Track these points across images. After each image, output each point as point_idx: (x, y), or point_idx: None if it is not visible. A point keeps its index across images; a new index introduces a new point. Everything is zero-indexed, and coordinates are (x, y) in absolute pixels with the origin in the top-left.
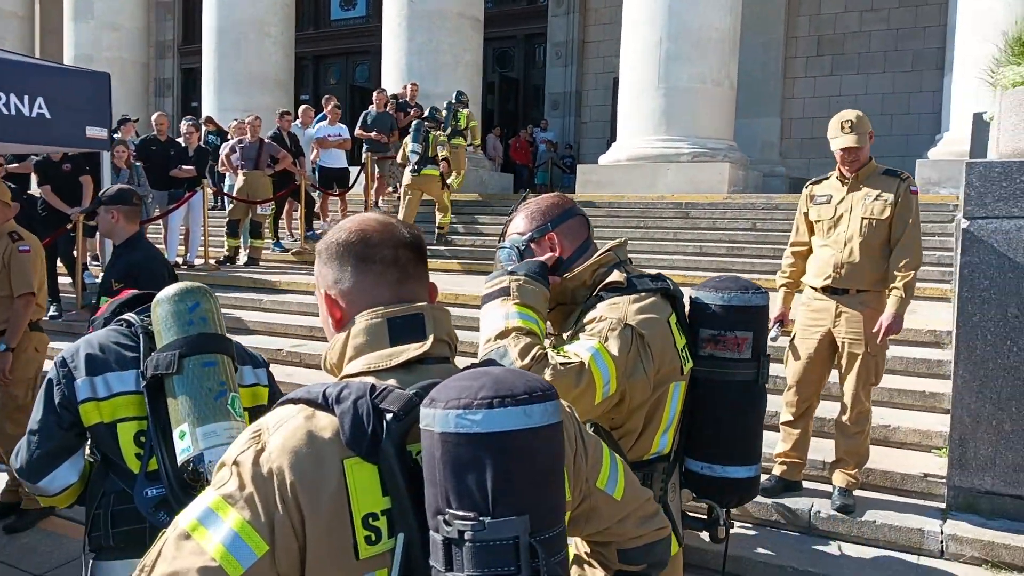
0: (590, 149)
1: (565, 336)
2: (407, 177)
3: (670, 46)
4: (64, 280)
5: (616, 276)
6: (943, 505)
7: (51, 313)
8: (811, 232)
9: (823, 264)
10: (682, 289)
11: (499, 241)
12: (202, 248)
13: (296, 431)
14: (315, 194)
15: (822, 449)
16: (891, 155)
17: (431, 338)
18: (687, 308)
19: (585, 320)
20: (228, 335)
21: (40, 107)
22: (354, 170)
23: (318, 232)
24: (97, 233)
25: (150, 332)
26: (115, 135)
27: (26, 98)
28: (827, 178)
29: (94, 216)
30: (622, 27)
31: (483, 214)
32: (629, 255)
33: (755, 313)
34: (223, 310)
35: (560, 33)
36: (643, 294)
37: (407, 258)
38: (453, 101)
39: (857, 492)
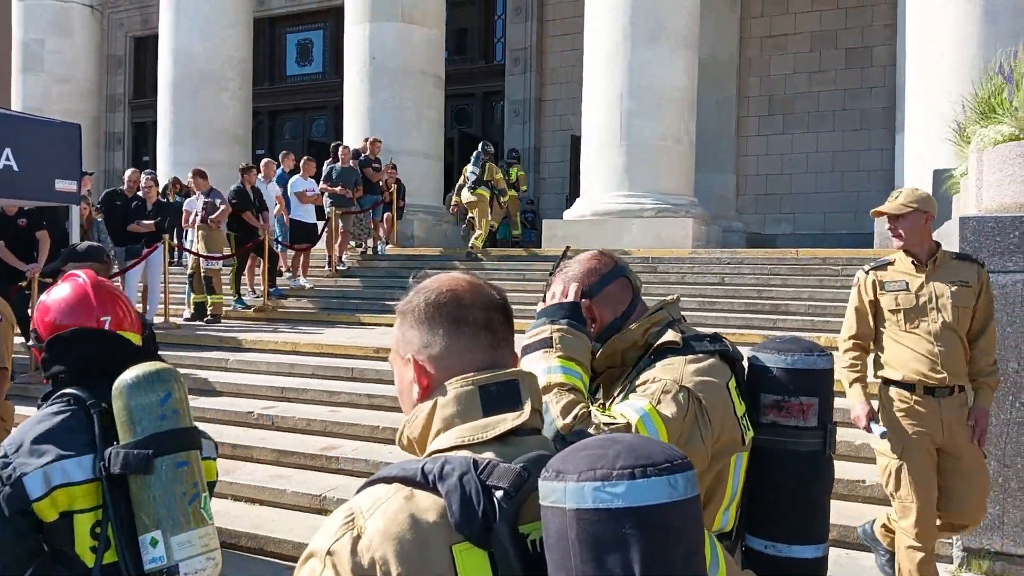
0: (550, 204)
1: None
2: (465, 195)
3: (631, 103)
4: (18, 340)
5: (671, 336)
6: (952, 566)
7: None
8: (875, 322)
9: (912, 359)
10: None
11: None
12: (162, 306)
13: (397, 514)
14: (278, 249)
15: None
16: (844, 211)
17: (528, 406)
18: (745, 371)
19: (637, 383)
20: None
21: (7, 159)
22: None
23: (281, 289)
24: None
25: (103, 409)
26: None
27: None
28: (890, 263)
29: (55, 274)
30: (583, 85)
31: (448, 268)
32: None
33: (821, 377)
34: (186, 370)
35: (518, 91)
36: (701, 355)
37: (499, 321)
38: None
39: (861, 553)
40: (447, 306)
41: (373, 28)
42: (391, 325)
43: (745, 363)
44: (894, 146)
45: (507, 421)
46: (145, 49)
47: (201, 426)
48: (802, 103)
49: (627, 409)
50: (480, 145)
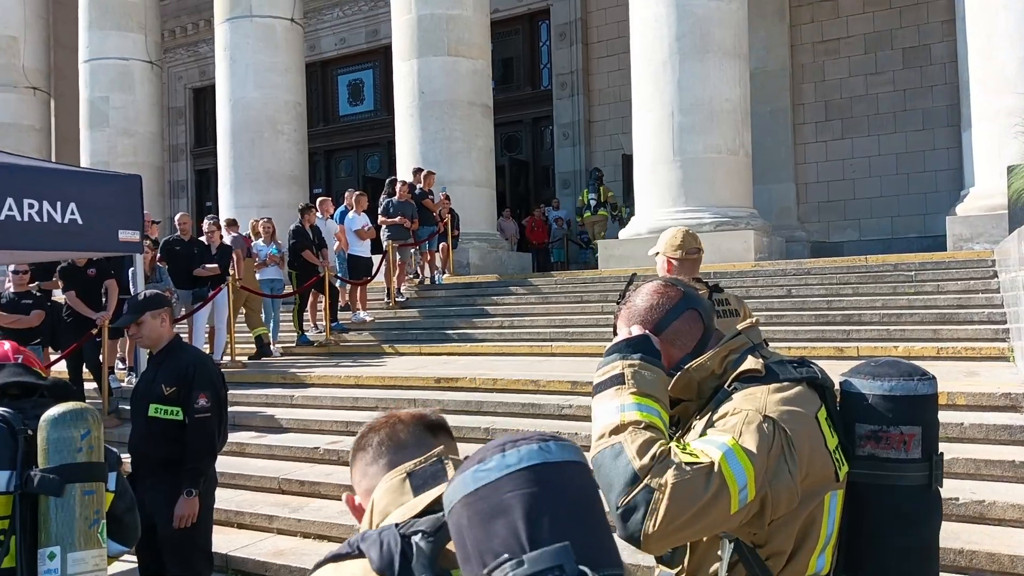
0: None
1: (691, 437)
2: (588, 215)
3: (682, 119)
4: (89, 385)
5: (751, 363)
6: None
7: None
8: None
9: None
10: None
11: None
12: (228, 346)
13: None
14: (338, 284)
15: None
16: (911, 213)
17: (452, 475)
18: (837, 398)
19: (716, 416)
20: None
21: (72, 212)
22: (375, 258)
23: (342, 323)
24: (123, 336)
25: (29, 437)
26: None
27: (58, 204)
28: None
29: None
30: (633, 105)
31: (505, 295)
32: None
33: (923, 403)
34: (253, 408)
35: (566, 115)
36: (786, 383)
37: (408, 432)
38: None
39: None
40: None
41: (420, 63)
42: (452, 354)
43: (837, 389)
44: (960, 144)
45: (435, 492)
46: (203, 99)
47: (268, 463)
48: (860, 106)
49: (708, 446)
50: (591, 171)
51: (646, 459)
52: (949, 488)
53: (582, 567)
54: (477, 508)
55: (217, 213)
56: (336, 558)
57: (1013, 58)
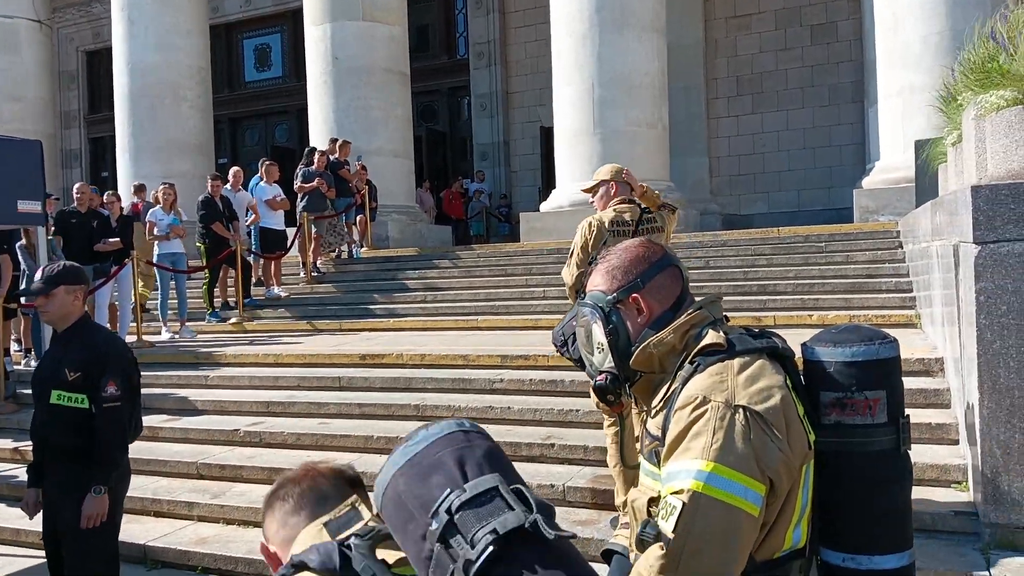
0: (522, 197)
1: (653, 416)
2: None
3: (603, 92)
4: None
5: (713, 337)
6: (979, 544)
7: None
8: None
9: None
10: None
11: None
12: (133, 324)
13: None
14: (251, 259)
15: None
16: (817, 187)
17: (368, 516)
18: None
19: (679, 404)
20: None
21: None
22: (290, 231)
23: (256, 299)
24: (17, 316)
25: None
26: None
27: None
28: None
29: (16, 299)
30: (553, 77)
31: (427, 268)
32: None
33: (886, 367)
34: (165, 389)
35: (483, 85)
36: (748, 357)
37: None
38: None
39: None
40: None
41: (334, 28)
42: (375, 330)
43: (799, 358)
44: (864, 120)
45: (352, 529)
46: (98, 63)
47: (185, 447)
48: (770, 82)
49: (677, 481)
50: None
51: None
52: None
53: (517, 485)
54: (412, 473)
55: (115, 184)
56: None
57: (918, 36)
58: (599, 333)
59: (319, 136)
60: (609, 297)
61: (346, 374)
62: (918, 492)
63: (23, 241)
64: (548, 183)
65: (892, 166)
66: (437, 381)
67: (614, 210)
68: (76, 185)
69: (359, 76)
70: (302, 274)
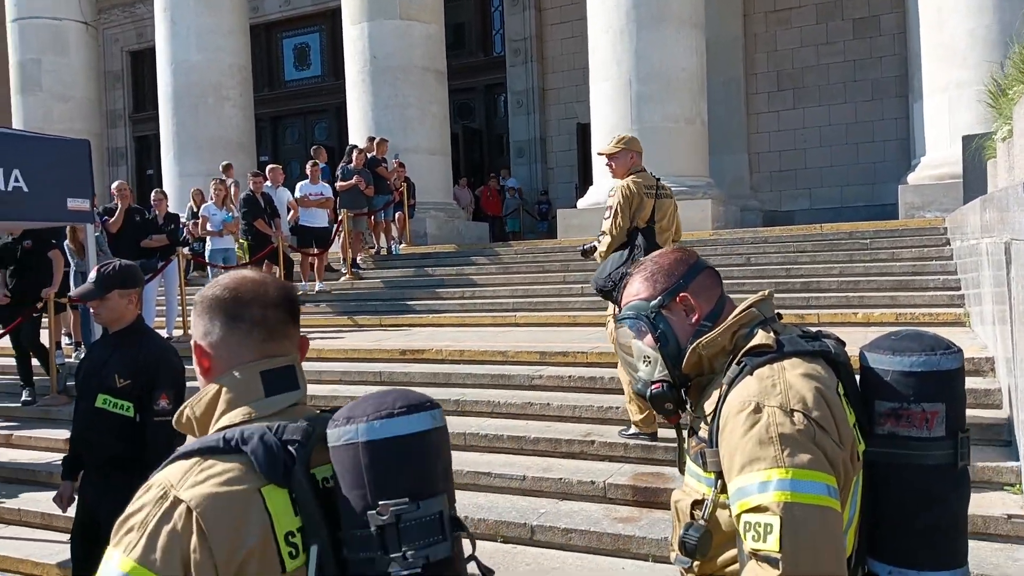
0: (559, 194)
1: (701, 418)
2: None
3: (640, 88)
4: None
5: (763, 338)
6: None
7: (24, 399)
8: None
9: None
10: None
11: (616, 312)
12: (179, 319)
13: (207, 479)
14: (293, 255)
15: None
16: (860, 183)
17: (304, 386)
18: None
19: (731, 409)
20: None
21: (16, 180)
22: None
23: (300, 294)
24: (66, 311)
25: None
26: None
27: (1, 171)
28: None
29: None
30: (589, 73)
31: (465, 265)
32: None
33: (948, 379)
34: None
35: (520, 82)
36: (799, 360)
37: (276, 318)
38: None
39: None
40: (225, 302)
41: (371, 27)
42: (413, 326)
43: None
44: (908, 115)
45: (289, 398)
46: (142, 63)
47: None
48: (811, 76)
49: (755, 497)
50: None
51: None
52: None
53: (453, 513)
54: (383, 454)
55: (160, 181)
56: (206, 452)
57: (964, 30)
58: (644, 344)
59: (358, 134)
60: (653, 303)
61: (387, 369)
62: (973, 494)
63: (68, 240)
64: (585, 180)
65: (938, 162)
66: (476, 377)
67: (640, 176)
68: (116, 184)
69: (396, 74)
70: (343, 270)
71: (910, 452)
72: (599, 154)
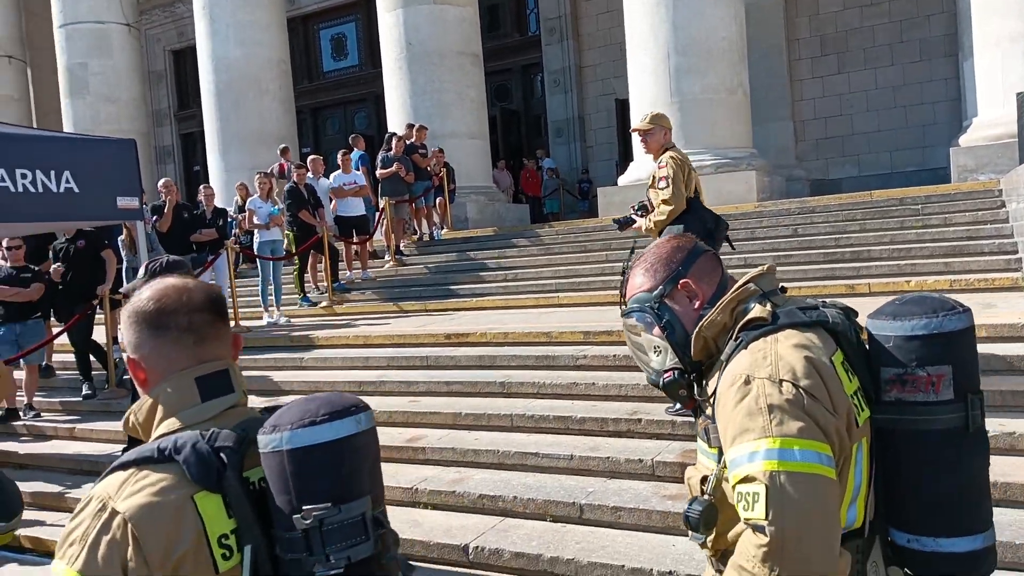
0: (599, 172)
1: (708, 401)
2: None
3: (679, 60)
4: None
5: (758, 311)
6: None
7: (84, 392)
8: None
9: None
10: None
11: (621, 307)
12: (231, 311)
13: (141, 489)
14: (338, 245)
15: None
16: (910, 147)
17: (239, 389)
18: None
19: (724, 384)
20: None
21: (68, 181)
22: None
23: (344, 283)
24: (121, 306)
25: None
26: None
27: (52, 173)
28: None
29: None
30: (627, 47)
31: (506, 247)
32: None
33: (952, 340)
34: (262, 372)
35: (556, 61)
36: (794, 331)
37: (203, 322)
38: None
39: (996, 510)
40: (150, 314)
41: (406, 13)
42: (458, 309)
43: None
44: (958, 74)
45: (225, 402)
46: (184, 61)
47: None
48: (856, 40)
49: (744, 467)
50: None
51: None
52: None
53: (376, 513)
54: (305, 461)
55: (207, 177)
56: (142, 463)
57: None
58: (653, 335)
59: (396, 121)
60: (655, 293)
61: (433, 353)
62: (1015, 464)
63: (123, 236)
64: (625, 157)
65: (992, 121)
66: (521, 359)
67: (675, 151)
68: (162, 181)
69: (432, 60)
70: (387, 257)
71: (917, 418)
72: (632, 131)
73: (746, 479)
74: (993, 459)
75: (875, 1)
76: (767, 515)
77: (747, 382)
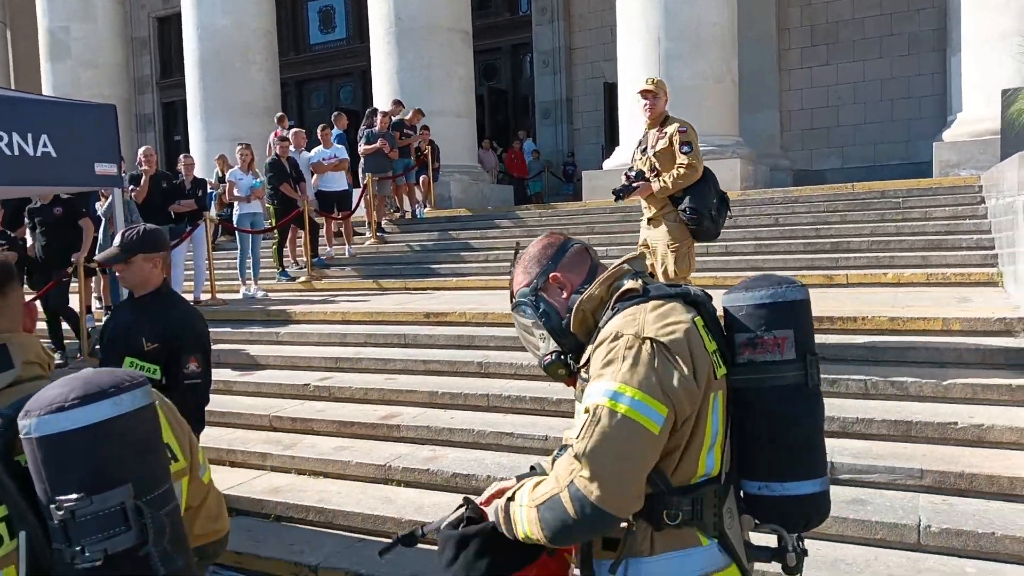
0: (585, 155)
1: (584, 365)
2: None
3: (669, 45)
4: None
5: (631, 284)
6: None
7: (56, 361)
8: None
9: None
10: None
11: (511, 303)
12: (207, 283)
13: None
14: (318, 219)
15: (916, 456)
16: (894, 140)
17: (19, 364)
18: (721, 318)
19: (596, 342)
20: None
21: (45, 145)
22: (357, 192)
23: (324, 258)
24: (97, 275)
25: None
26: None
27: (29, 136)
28: None
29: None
30: (617, 30)
31: (489, 228)
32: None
33: (793, 309)
34: (238, 345)
35: (546, 41)
36: (660, 300)
37: None
38: None
39: (961, 499)
40: None
41: None
42: (438, 289)
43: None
44: (945, 69)
45: (3, 379)
46: (169, 28)
47: (257, 400)
48: (846, 31)
49: (589, 400)
50: None
51: (547, 491)
52: (948, 413)
53: (139, 503)
54: (53, 450)
55: (188, 147)
56: None
57: None
58: (534, 324)
59: (383, 97)
60: (531, 287)
61: (411, 331)
62: (995, 455)
63: (101, 201)
64: (611, 141)
65: (975, 117)
66: (499, 339)
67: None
68: (143, 149)
69: (421, 35)
70: (368, 234)
71: (765, 376)
72: (639, 92)
73: (585, 410)
74: (962, 450)
75: None
76: (578, 435)
77: (616, 337)
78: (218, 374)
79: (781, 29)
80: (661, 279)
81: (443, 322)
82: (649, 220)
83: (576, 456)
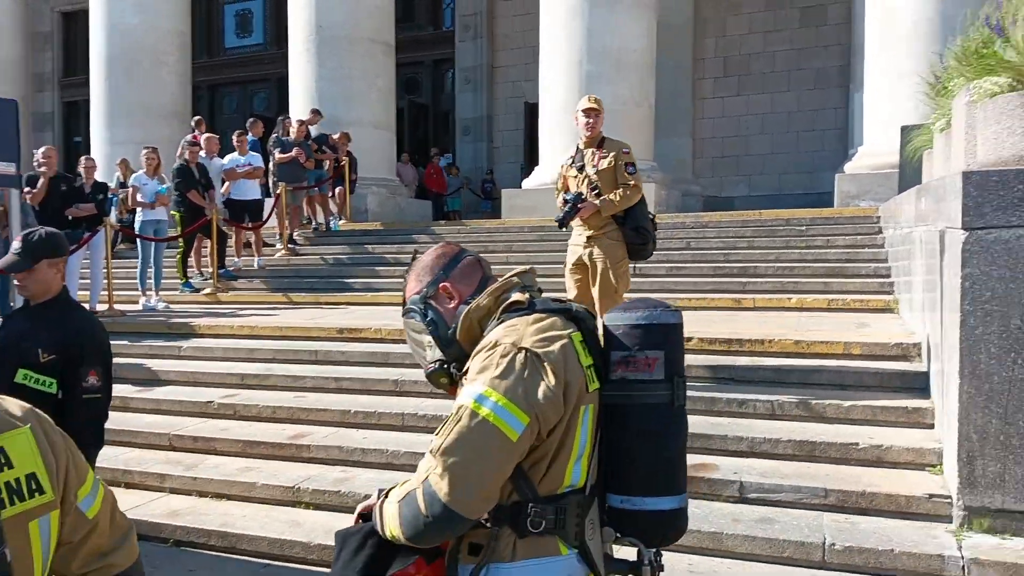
0: (504, 173)
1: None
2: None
3: (591, 68)
4: None
5: (517, 296)
6: (952, 526)
7: None
8: None
9: None
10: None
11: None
12: (105, 292)
13: None
14: (227, 229)
15: (821, 476)
16: (798, 171)
17: None
18: (601, 336)
19: (480, 345)
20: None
21: None
22: (269, 202)
23: (231, 269)
24: None
25: None
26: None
27: None
28: None
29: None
30: (540, 51)
31: (406, 243)
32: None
33: (666, 331)
34: (136, 359)
35: (468, 58)
36: (543, 314)
37: None
38: None
39: (863, 517)
40: None
41: None
42: (351, 304)
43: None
44: (847, 104)
45: None
46: (74, 24)
47: (156, 418)
48: (757, 64)
49: (457, 402)
50: None
51: (417, 487)
52: (850, 433)
53: None
54: None
55: (88, 149)
56: None
57: (908, 21)
58: (422, 332)
59: (300, 105)
60: (421, 295)
61: (323, 348)
62: (894, 474)
63: None
64: (530, 160)
65: (875, 151)
66: (400, 356)
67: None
68: (42, 149)
69: (343, 45)
70: (279, 245)
71: (635, 393)
72: (585, 110)
73: (457, 409)
74: (863, 470)
75: (778, 28)
76: (438, 432)
77: (494, 346)
78: (115, 389)
79: (696, 59)
80: (596, 297)
81: (357, 338)
82: (589, 239)
83: (432, 451)
